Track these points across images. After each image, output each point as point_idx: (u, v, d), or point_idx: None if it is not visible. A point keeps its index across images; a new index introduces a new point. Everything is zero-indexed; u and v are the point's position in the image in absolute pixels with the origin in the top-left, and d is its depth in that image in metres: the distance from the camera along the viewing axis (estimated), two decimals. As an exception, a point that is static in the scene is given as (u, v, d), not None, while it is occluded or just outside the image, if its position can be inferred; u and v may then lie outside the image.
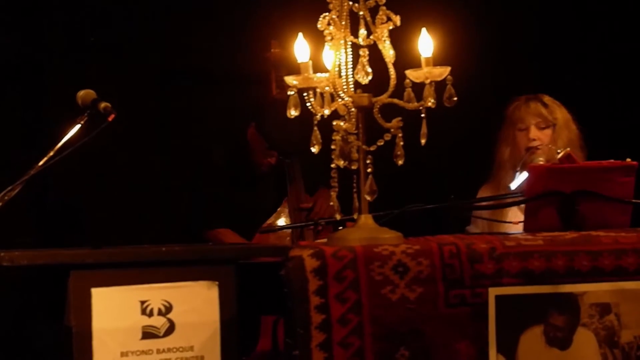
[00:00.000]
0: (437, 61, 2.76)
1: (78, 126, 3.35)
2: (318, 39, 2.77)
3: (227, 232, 4.64)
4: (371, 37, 2.77)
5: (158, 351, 3.08)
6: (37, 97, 5.24)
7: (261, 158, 4.70)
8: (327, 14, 2.76)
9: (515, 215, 4.02)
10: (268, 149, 4.66)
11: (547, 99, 4.27)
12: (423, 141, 2.74)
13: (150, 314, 3.08)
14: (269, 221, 4.58)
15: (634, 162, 3.06)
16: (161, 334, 3.08)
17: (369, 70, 2.76)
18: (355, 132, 2.77)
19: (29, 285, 4.96)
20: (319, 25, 2.76)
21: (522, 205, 3.90)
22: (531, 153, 4.07)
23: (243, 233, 4.58)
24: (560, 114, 4.24)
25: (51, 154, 3.32)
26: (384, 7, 2.76)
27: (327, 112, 2.76)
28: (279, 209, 4.65)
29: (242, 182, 4.77)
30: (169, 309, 3.09)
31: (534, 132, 4.20)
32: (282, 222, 4.58)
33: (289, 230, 4.55)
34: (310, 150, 2.75)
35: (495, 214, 4.04)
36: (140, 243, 3.38)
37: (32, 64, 5.22)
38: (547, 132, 4.23)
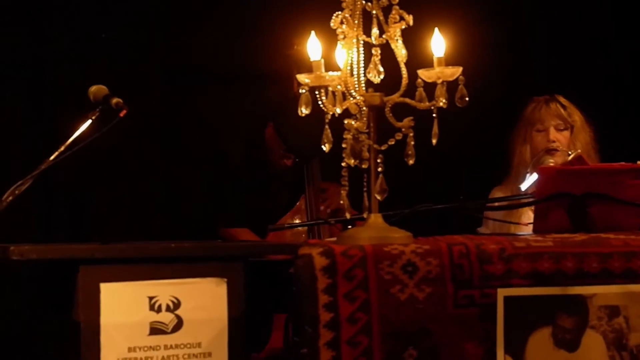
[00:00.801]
0: (449, 61, 2.76)
1: (89, 121, 3.35)
2: (330, 37, 2.77)
3: (245, 232, 4.64)
4: (383, 36, 2.77)
5: (165, 347, 3.08)
6: (44, 93, 5.25)
7: (278, 159, 4.71)
8: (339, 12, 2.76)
9: (528, 218, 4.01)
10: (285, 152, 4.66)
11: (563, 100, 4.27)
12: (434, 141, 2.74)
13: (159, 310, 3.08)
14: (284, 219, 4.59)
15: (645, 165, 3.06)
16: (169, 330, 3.09)
17: (381, 69, 2.76)
18: (367, 131, 2.76)
19: (37, 279, 4.97)
20: (331, 24, 2.76)
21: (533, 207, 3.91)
22: (542, 155, 4.07)
23: (258, 231, 4.59)
24: (578, 115, 4.24)
25: (62, 149, 3.32)
26: (397, 7, 2.76)
27: (338, 110, 2.76)
28: (295, 207, 4.66)
29: (257, 181, 4.78)
30: (177, 305, 3.10)
31: (553, 134, 4.20)
32: (297, 220, 4.58)
33: (305, 228, 4.56)
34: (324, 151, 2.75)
35: (510, 215, 4.03)
36: (152, 240, 3.38)
37: (38, 60, 5.23)
38: (566, 134, 4.23)
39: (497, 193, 4.26)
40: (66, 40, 5.20)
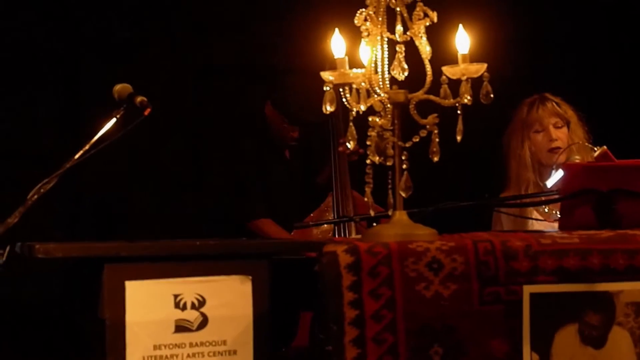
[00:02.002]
0: (473, 58, 2.75)
1: (114, 120, 3.36)
2: (355, 34, 2.77)
3: (269, 223, 4.67)
4: (408, 33, 2.77)
5: (191, 345, 3.08)
6: (72, 90, 5.28)
7: (283, 133, 4.73)
8: (363, 9, 2.76)
9: (536, 216, 4.01)
10: (288, 124, 4.69)
11: (554, 97, 4.26)
12: (459, 138, 2.73)
13: (184, 308, 3.09)
14: (312, 216, 4.61)
15: (672, 161, 3.04)
16: (194, 328, 3.09)
17: (405, 66, 2.76)
18: (391, 128, 2.76)
19: (64, 277, 5.00)
20: (355, 21, 2.76)
21: (542, 208, 3.91)
22: (556, 154, 4.06)
23: (281, 216, 4.61)
24: (571, 111, 4.23)
25: (87, 147, 3.33)
26: (421, 3, 2.76)
27: (362, 107, 2.76)
28: (323, 204, 4.67)
29: (273, 165, 4.80)
30: (202, 302, 3.10)
31: (554, 133, 4.18)
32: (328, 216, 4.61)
33: (332, 227, 4.57)
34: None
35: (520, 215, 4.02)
36: (178, 238, 3.39)
37: (67, 57, 5.26)
38: (564, 130, 4.22)
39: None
40: (95, 37, 5.23)
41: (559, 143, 4.17)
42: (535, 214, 4.05)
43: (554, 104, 4.23)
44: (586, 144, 4.03)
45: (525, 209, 3.99)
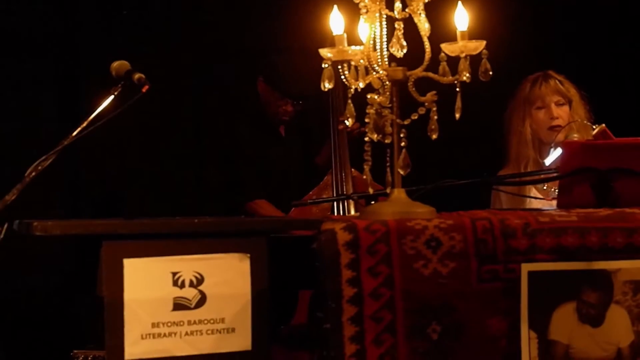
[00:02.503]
0: (472, 35, 2.74)
1: (112, 97, 3.35)
2: (353, 11, 2.76)
3: (264, 204, 4.67)
4: (406, 10, 2.76)
5: (189, 322, 3.08)
6: (71, 69, 5.26)
7: (277, 108, 4.74)
8: (362, -14, 2.75)
9: (535, 194, 4.01)
10: (280, 98, 4.70)
11: (557, 75, 4.24)
12: (457, 115, 2.73)
13: (182, 286, 3.08)
14: (311, 194, 4.61)
15: (671, 139, 3.04)
16: (192, 306, 3.09)
17: (404, 43, 2.75)
18: (389, 105, 2.76)
19: (63, 254, 5.00)
20: (354, -2, 2.75)
21: (541, 186, 3.90)
22: (557, 132, 4.05)
23: (278, 194, 4.62)
24: (574, 89, 4.22)
25: (84, 124, 3.32)
26: (420, -20, 2.75)
27: (361, 85, 2.75)
28: (322, 182, 4.67)
29: (268, 144, 4.81)
30: (200, 280, 3.10)
31: (555, 110, 4.18)
32: (325, 196, 4.61)
33: (331, 205, 4.57)
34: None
35: (519, 192, 4.01)
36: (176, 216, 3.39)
37: (65, 36, 5.24)
38: (565, 108, 4.21)
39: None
40: (94, 16, 5.22)
41: (559, 121, 4.16)
42: (534, 192, 4.05)
43: (557, 81, 4.22)
44: (585, 122, 4.02)
45: (524, 187, 4.00)
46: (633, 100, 5.48)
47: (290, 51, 4.82)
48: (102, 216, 4.75)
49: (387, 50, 2.76)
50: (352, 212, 4.53)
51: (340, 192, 4.62)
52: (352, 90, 2.74)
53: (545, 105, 4.20)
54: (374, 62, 2.76)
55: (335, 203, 4.62)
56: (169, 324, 3.06)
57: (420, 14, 2.76)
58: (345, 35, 2.72)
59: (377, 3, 2.76)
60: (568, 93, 4.21)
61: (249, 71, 5.03)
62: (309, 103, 4.78)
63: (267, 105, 4.79)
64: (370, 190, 2.83)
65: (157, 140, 5.32)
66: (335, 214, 4.57)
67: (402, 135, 2.74)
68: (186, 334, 3.07)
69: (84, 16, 5.27)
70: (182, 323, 3.07)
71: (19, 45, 5.14)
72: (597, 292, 2.68)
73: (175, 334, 3.06)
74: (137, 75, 3.38)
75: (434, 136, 2.74)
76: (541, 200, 3.98)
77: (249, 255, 3.12)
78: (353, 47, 2.72)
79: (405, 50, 2.75)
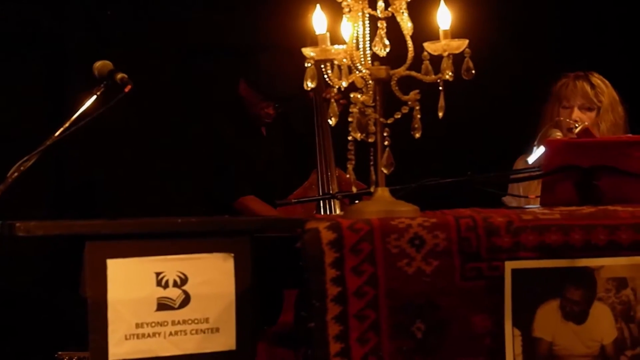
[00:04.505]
0: (455, 34, 2.74)
1: (94, 97, 3.34)
2: (336, 10, 2.76)
3: (253, 199, 4.67)
4: (389, 9, 2.76)
5: (173, 323, 3.08)
6: (58, 68, 5.25)
7: (259, 110, 4.74)
8: (345, -15, 2.75)
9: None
10: (263, 100, 4.70)
11: (595, 79, 4.20)
12: (441, 114, 2.74)
13: (166, 286, 3.08)
14: (297, 193, 4.61)
15: (653, 137, 3.05)
16: (176, 306, 3.08)
17: (387, 42, 2.75)
18: (373, 104, 2.76)
19: (46, 256, 4.99)
20: (336, -3, 2.75)
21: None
22: (548, 128, 4.05)
23: (262, 194, 4.62)
24: (607, 96, 4.18)
25: (67, 124, 3.31)
26: (402, -21, 2.75)
27: (344, 84, 2.75)
28: (307, 181, 4.67)
29: (250, 144, 4.81)
30: (184, 280, 3.09)
31: (576, 113, 4.16)
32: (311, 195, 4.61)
33: (316, 203, 4.57)
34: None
35: (530, 186, 4.00)
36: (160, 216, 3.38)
37: (52, 35, 5.23)
38: (590, 114, 4.18)
39: (520, 162, 4.20)
40: (79, 15, 5.21)
41: (576, 124, 4.13)
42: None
43: (587, 84, 4.18)
44: (567, 120, 4.03)
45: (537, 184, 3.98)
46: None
47: (272, 51, 4.82)
48: (86, 216, 4.73)
49: (370, 49, 2.76)
50: (337, 211, 4.54)
51: (325, 191, 4.63)
52: (335, 89, 2.74)
53: (570, 106, 4.19)
54: (357, 61, 2.76)
55: (320, 202, 4.62)
56: (153, 324, 3.06)
57: (402, 12, 2.76)
58: (328, 34, 2.72)
59: (360, 2, 2.76)
60: (595, 99, 4.17)
61: (231, 70, 5.03)
62: (292, 103, 4.78)
63: (250, 107, 4.79)
64: (354, 189, 2.83)
65: (141, 139, 5.31)
66: (322, 213, 4.57)
67: (385, 134, 2.75)
68: (170, 334, 3.07)
69: (69, 15, 5.25)
70: (166, 323, 3.06)
71: (4, 45, 5.12)
72: (580, 289, 2.69)
73: (159, 334, 3.05)
74: (119, 75, 3.38)
75: (417, 135, 2.74)
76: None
77: (232, 255, 3.11)
78: (336, 46, 2.72)
79: (388, 49, 2.75)
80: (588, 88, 4.18)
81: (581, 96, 4.18)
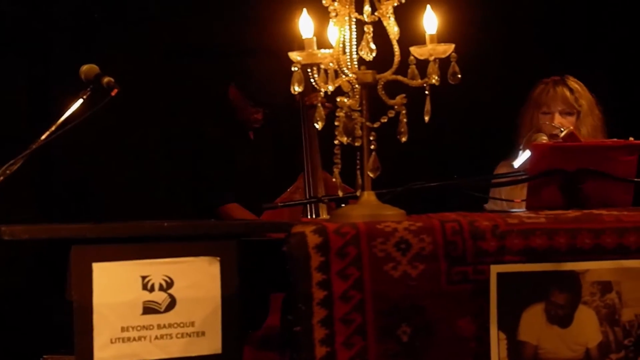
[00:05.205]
0: (441, 38, 2.75)
1: (80, 101, 3.34)
2: (323, 15, 2.76)
3: (235, 207, 4.67)
4: (376, 13, 2.77)
5: (159, 326, 3.08)
6: (44, 70, 5.24)
7: (248, 115, 4.75)
8: (332, -11, 2.75)
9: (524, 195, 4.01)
10: (252, 106, 4.71)
11: (573, 83, 4.21)
12: (427, 118, 2.74)
13: (152, 289, 3.08)
14: (283, 197, 4.61)
15: (637, 141, 3.06)
16: (162, 310, 3.09)
17: (373, 46, 2.76)
18: (359, 108, 2.76)
19: (32, 260, 4.97)
20: (323, 1, 2.75)
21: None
22: (534, 132, 4.06)
23: (248, 199, 4.62)
24: (586, 99, 4.19)
25: (53, 128, 3.31)
26: (389, -16, 2.76)
27: (331, 88, 2.75)
28: (294, 184, 4.68)
29: (237, 148, 4.81)
30: (170, 284, 3.09)
31: (558, 119, 4.17)
32: (297, 198, 4.61)
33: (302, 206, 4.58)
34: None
35: (514, 191, 4.02)
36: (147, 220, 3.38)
37: (37, 36, 5.22)
38: (571, 119, 4.19)
39: (502, 168, 4.22)
40: (65, 19, 5.20)
41: (558, 130, 4.15)
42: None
43: (566, 89, 4.19)
44: (553, 124, 4.04)
45: (521, 188, 3.99)
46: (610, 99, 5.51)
47: (261, 55, 4.83)
48: (73, 220, 4.73)
49: (357, 53, 2.77)
50: (324, 215, 4.54)
51: (312, 195, 4.63)
52: (321, 93, 2.75)
53: (550, 112, 4.20)
54: (343, 66, 2.77)
55: (307, 206, 4.62)
56: (139, 328, 3.06)
57: (389, 17, 2.77)
58: (314, 38, 2.72)
59: (347, 6, 2.76)
60: (575, 103, 4.18)
61: (219, 73, 5.02)
62: (281, 108, 4.79)
63: (238, 111, 4.79)
64: (340, 193, 2.84)
65: (127, 143, 5.30)
66: (308, 216, 4.57)
67: (371, 138, 2.75)
68: (156, 337, 3.07)
69: (55, 17, 5.25)
70: (151, 327, 3.06)
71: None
72: (565, 293, 2.70)
73: (145, 337, 3.05)
74: (106, 79, 3.38)
75: (404, 139, 2.75)
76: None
77: (218, 258, 3.12)
78: (322, 51, 2.73)
79: (374, 54, 2.75)
80: (568, 93, 4.19)
81: (561, 102, 4.19)
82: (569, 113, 4.18)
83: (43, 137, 3.30)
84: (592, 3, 5.57)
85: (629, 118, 5.09)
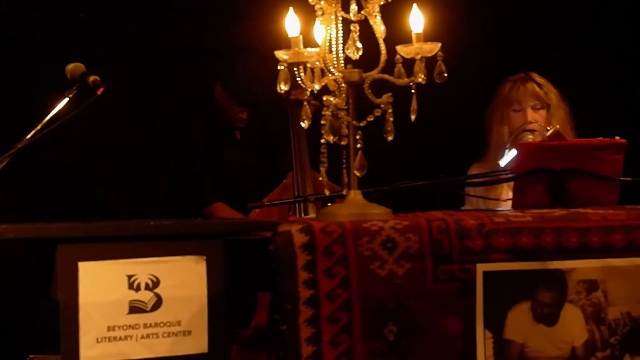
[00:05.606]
0: (428, 37, 2.75)
1: (66, 99, 3.34)
2: (309, 13, 2.76)
3: (221, 207, 4.67)
4: (362, 12, 2.77)
5: (145, 326, 3.07)
6: (30, 69, 5.23)
7: (233, 115, 4.75)
8: (318, -12, 2.75)
9: (507, 195, 4.02)
10: (238, 106, 4.71)
11: (539, 78, 4.26)
12: (413, 117, 2.74)
13: (138, 289, 3.07)
14: (272, 195, 4.61)
15: (623, 140, 3.07)
16: (148, 309, 3.08)
17: (360, 45, 2.76)
18: (345, 107, 2.76)
19: (18, 258, 4.96)
20: (310, 0, 2.75)
21: (512, 183, 3.91)
22: (521, 131, 4.06)
23: (235, 198, 4.62)
24: (553, 93, 4.24)
25: (39, 127, 3.30)
26: (375, -18, 2.76)
27: (317, 87, 2.75)
28: (282, 183, 4.68)
29: (223, 148, 4.81)
30: (156, 283, 3.09)
31: (530, 115, 4.19)
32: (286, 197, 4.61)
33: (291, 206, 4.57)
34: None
35: (489, 192, 4.04)
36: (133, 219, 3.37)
37: (24, 35, 5.21)
38: (542, 113, 4.22)
39: (475, 170, 4.26)
40: (51, 18, 5.19)
41: (534, 125, 4.17)
42: (509, 192, 4.04)
43: (536, 85, 4.23)
44: (540, 124, 4.05)
45: (497, 188, 4.01)
46: (597, 99, 5.52)
47: (248, 56, 4.83)
48: (59, 219, 4.71)
49: (343, 52, 2.77)
50: (313, 214, 4.54)
51: (299, 194, 4.63)
52: (307, 92, 2.75)
53: (522, 109, 4.21)
54: (329, 64, 2.77)
55: (295, 205, 4.62)
56: (125, 327, 3.05)
57: (375, 16, 2.77)
58: (301, 37, 2.72)
59: (333, 5, 2.76)
60: (546, 97, 4.22)
61: (205, 73, 5.02)
62: (268, 107, 4.79)
63: (224, 111, 4.80)
64: (327, 192, 2.84)
65: (112, 142, 5.29)
66: (297, 215, 4.57)
67: (358, 137, 2.75)
68: (142, 337, 3.06)
69: (40, 16, 5.23)
70: (138, 326, 3.06)
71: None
72: (551, 291, 2.70)
73: (131, 337, 3.05)
74: (92, 78, 3.37)
75: (390, 138, 2.75)
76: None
77: (205, 257, 3.11)
78: (309, 49, 2.72)
79: (361, 52, 2.75)
80: (537, 88, 4.22)
81: (533, 97, 4.21)
82: (540, 108, 4.21)
83: (28, 136, 3.29)
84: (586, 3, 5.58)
85: (629, 118, 5.12)
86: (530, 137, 3.80)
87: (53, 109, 3.32)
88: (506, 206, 3.84)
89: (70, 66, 3.43)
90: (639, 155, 3.35)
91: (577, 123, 4.29)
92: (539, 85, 4.24)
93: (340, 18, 2.77)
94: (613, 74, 5.56)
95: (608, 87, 5.55)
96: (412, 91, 2.74)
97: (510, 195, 3.93)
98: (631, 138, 3.08)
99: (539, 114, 4.21)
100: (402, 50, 2.75)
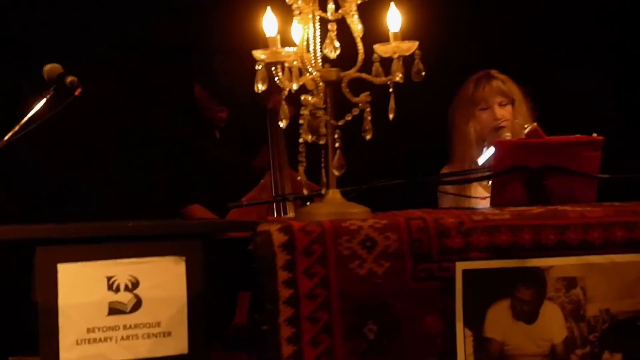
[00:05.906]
0: (405, 36, 2.75)
1: (44, 100, 3.32)
2: (286, 13, 2.75)
3: (197, 208, 4.67)
4: (339, 11, 2.77)
5: (125, 327, 3.06)
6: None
7: (214, 114, 4.76)
8: (295, -13, 2.75)
9: (479, 193, 4.03)
10: (217, 105, 4.72)
11: (500, 74, 4.27)
12: (391, 116, 2.75)
13: (117, 290, 3.06)
14: (250, 195, 4.61)
15: (601, 137, 3.08)
16: (128, 310, 3.07)
17: (337, 44, 2.76)
18: (324, 106, 2.76)
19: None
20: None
21: (486, 183, 3.93)
22: (496, 131, 4.09)
23: (214, 197, 4.61)
24: (516, 88, 4.26)
25: (16, 128, 3.29)
26: (353, -18, 2.76)
27: (295, 86, 2.75)
28: (261, 183, 4.67)
29: (203, 147, 4.81)
30: (135, 284, 3.08)
31: (498, 112, 4.20)
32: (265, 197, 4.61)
33: (271, 205, 4.57)
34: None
35: (462, 191, 4.05)
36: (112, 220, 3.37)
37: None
38: (509, 108, 4.24)
39: (445, 172, 4.26)
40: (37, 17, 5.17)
41: (504, 122, 4.18)
42: (479, 190, 4.07)
43: (499, 81, 4.25)
44: (517, 120, 4.06)
45: (469, 186, 4.02)
46: (571, 97, 5.54)
47: (229, 55, 4.82)
48: (38, 220, 4.70)
49: (321, 51, 2.77)
50: (292, 213, 4.54)
51: (279, 193, 4.63)
52: (285, 92, 2.74)
53: (489, 107, 4.22)
54: (307, 64, 2.77)
55: (274, 204, 4.62)
56: (105, 329, 3.04)
57: (353, 15, 2.77)
58: (278, 36, 2.72)
59: (310, 4, 2.76)
60: (510, 92, 4.24)
61: (184, 72, 5.01)
62: (246, 107, 4.78)
63: (204, 110, 4.79)
64: (305, 191, 2.84)
65: (91, 142, 5.27)
66: (276, 215, 4.57)
67: (336, 136, 2.75)
68: (122, 338, 3.05)
69: (24, 17, 5.21)
70: (117, 328, 3.05)
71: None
72: (530, 289, 2.71)
73: (110, 338, 3.04)
74: (69, 79, 3.36)
75: (368, 136, 2.75)
76: (487, 199, 4.01)
77: (184, 258, 3.11)
78: (286, 49, 2.72)
79: (338, 52, 2.75)
80: (501, 84, 4.24)
81: (499, 93, 4.23)
82: (506, 103, 4.23)
83: (6, 137, 3.27)
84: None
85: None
86: (508, 135, 3.82)
87: (30, 110, 3.30)
88: (484, 204, 3.86)
89: (48, 67, 3.42)
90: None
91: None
92: (502, 81, 4.25)
93: (318, 17, 2.77)
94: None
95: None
96: (390, 90, 2.74)
97: (483, 194, 3.95)
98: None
99: (505, 109, 4.22)
100: (380, 49, 2.75)
